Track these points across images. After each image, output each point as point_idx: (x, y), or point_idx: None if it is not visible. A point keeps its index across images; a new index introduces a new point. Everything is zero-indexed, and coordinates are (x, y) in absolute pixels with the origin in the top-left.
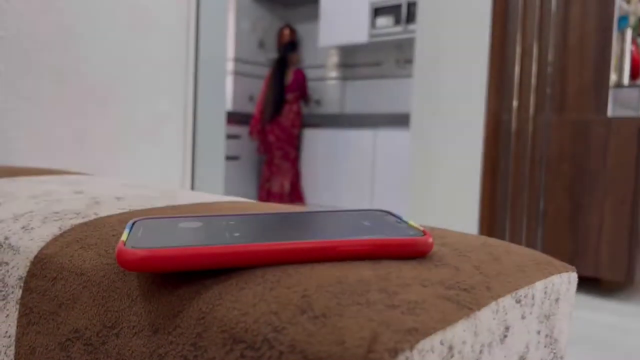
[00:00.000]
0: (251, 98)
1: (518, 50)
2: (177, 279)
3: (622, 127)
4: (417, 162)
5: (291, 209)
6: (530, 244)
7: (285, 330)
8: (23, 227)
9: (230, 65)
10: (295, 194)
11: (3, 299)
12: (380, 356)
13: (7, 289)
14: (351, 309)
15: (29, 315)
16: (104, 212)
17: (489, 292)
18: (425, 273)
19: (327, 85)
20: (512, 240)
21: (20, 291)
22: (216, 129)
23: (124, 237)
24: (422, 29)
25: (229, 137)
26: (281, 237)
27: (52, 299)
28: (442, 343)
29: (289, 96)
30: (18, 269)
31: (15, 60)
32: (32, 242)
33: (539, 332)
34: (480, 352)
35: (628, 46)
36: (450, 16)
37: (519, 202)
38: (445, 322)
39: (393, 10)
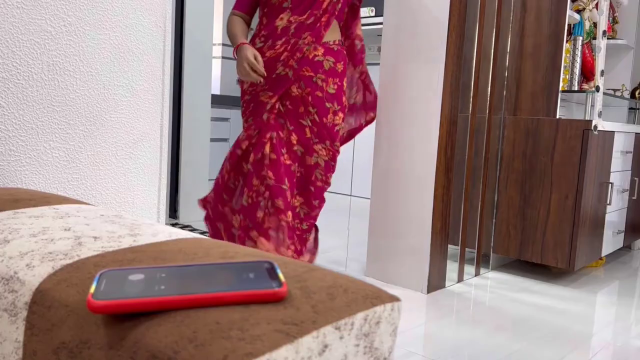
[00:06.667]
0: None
1: (475, 55)
2: (124, 316)
3: (568, 128)
4: (380, 151)
5: (209, 255)
6: (483, 234)
7: (180, 352)
8: (27, 265)
9: (217, 50)
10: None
11: (14, 316)
12: None
13: (16, 309)
14: (218, 341)
15: (32, 329)
16: (84, 253)
17: (314, 324)
18: (273, 314)
19: None
20: (465, 230)
21: (26, 312)
22: (202, 113)
23: (92, 289)
24: (388, 25)
25: (218, 119)
26: (190, 290)
27: (47, 320)
28: None
29: None
30: (24, 296)
31: (14, 96)
32: (34, 277)
33: (357, 345)
34: None
35: (579, 52)
36: (411, 16)
37: (476, 195)
38: (273, 347)
39: (374, 1)
